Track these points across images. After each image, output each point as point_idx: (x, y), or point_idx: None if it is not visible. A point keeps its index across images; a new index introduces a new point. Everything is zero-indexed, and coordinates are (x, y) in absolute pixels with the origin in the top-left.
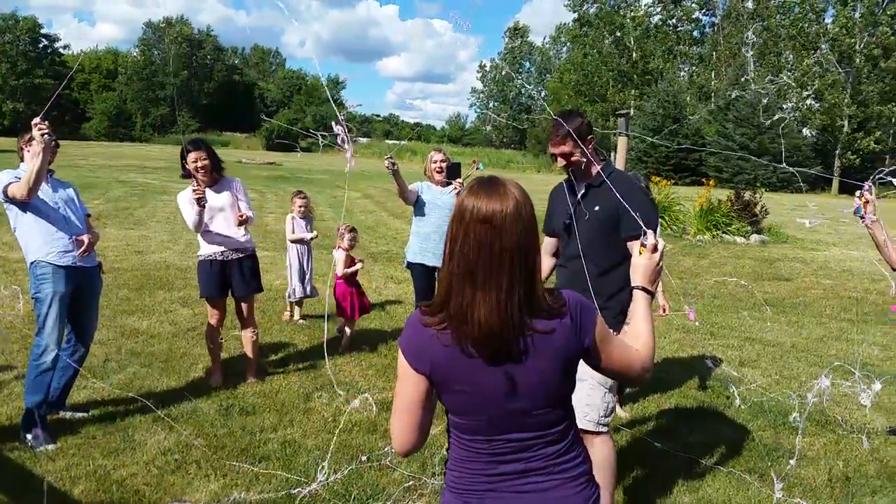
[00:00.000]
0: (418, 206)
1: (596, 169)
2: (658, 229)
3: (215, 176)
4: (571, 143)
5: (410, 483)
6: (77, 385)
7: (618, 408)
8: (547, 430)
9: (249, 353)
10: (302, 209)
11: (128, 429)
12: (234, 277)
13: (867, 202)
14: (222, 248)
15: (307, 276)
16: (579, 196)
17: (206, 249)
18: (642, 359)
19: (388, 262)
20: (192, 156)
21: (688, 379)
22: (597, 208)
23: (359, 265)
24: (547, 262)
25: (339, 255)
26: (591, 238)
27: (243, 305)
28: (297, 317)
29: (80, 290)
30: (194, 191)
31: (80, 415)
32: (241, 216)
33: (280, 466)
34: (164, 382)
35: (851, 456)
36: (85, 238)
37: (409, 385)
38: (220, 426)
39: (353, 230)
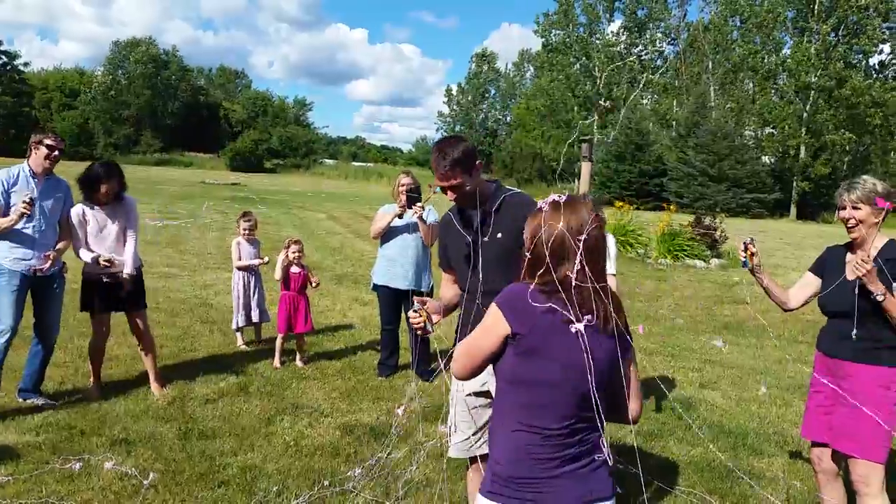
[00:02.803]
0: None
1: (490, 192)
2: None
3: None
4: (459, 172)
5: None
6: (31, 410)
7: None
8: (595, 415)
9: (150, 366)
10: (247, 232)
11: (83, 453)
12: (121, 294)
13: (753, 254)
14: (108, 271)
15: (255, 302)
16: (477, 225)
17: (92, 269)
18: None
19: (353, 284)
20: (104, 187)
21: (649, 401)
22: (499, 235)
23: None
24: (452, 291)
25: (279, 259)
26: (500, 269)
27: (138, 321)
28: (240, 342)
29: (38, 290)
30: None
31: (51, 403)
32: (127, 276)
33: (240, 492)
34: (122, 405)
35: (808, 475)
36: (51, 254)
37: (490, 339)
38: (179, 450)
39: (297, 242)
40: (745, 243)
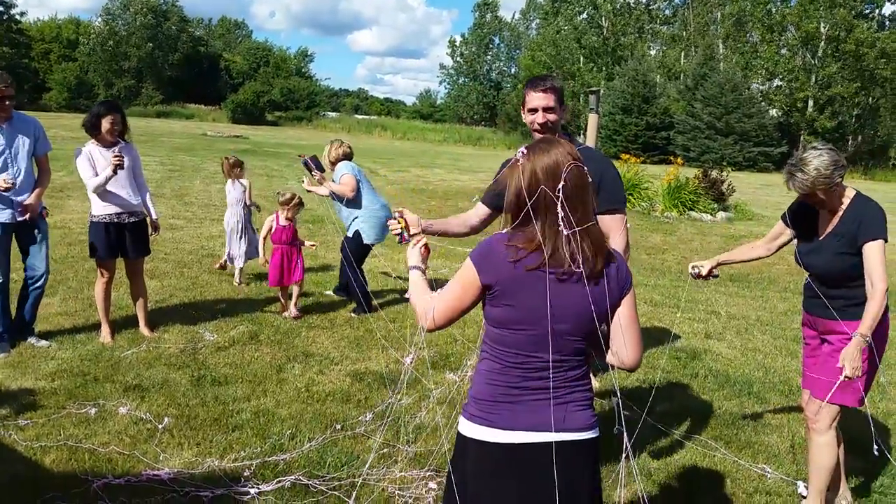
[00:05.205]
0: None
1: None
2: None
3: (118, 139)
4: (554, 97)
5: (385, 451)
6: (45, 356)
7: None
8: (572, 356)
9: (141, 310)
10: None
11: (98, 399)
12: (126, 240)
13: (706, 277)
14: (118, 210)
15: (249, 237)
16: None
17: (101, 210)
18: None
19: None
20: (106, 121)
21: (655, 351)
22: None
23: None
24: (464, 223)
25: (269, 221)
26: None
27: (136, 267)
28: (238, 279)
29: (22, 234)
30: (115, 156)
31: (43, 343)
32: (155, 232)
33: (254, 435)
34: (134, 353)
35: None
36: (29, 202)
37: (469, 294)
38: (192, 396)
39: (296, 205)
40: (695, 276)
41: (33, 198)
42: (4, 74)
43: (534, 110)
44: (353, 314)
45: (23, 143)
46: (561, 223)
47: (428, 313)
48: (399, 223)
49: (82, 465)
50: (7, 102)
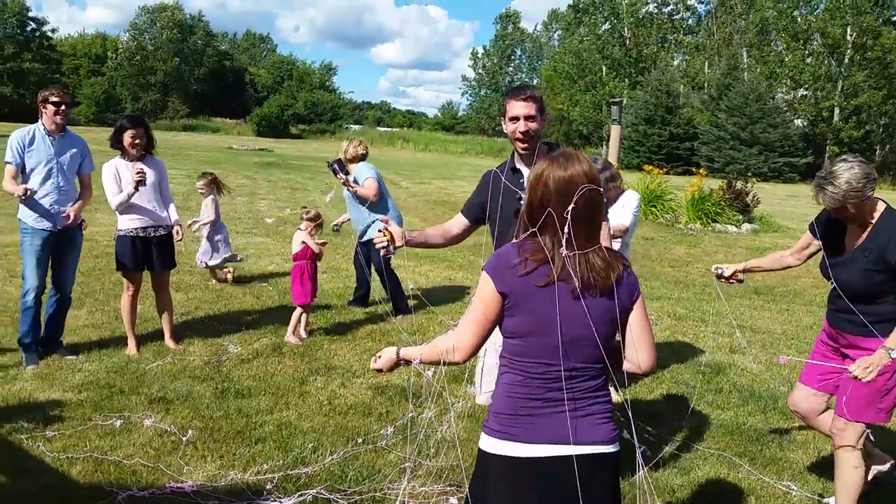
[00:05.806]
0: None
1: (545, 151)
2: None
3: (144, 153)
4: (535, 106)
5: (406, 465)
6: (72, 368)
7: (612, 391)
8: (590, 363)
9: (167, 322)
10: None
11: (123, 411)
12: (153, 254)
13: (729, 279)
14: (144, 224)
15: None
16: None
17: (127, 224)
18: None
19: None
20: (129, 135)
21: (679, 365)
22: None
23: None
24: (444, 234)
25: (297, 237)
26: None
27: (162, 280)
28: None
29: (59, 245)
30: (137, 172)
31: (71, 357)
32: (179, 238)
33: (276, 448)
34: (159, 365)
35: None
36: (71, 213)
37: (492, 307)
38: (216, 409)
39: (317, 218)
40: (718, 275)
41: (76, 207)
42: (60, 85)
43: (515, 119)
44: (394, 318)
45: (70, 157)
46: (563, 244)
47: (449, 345)
48: (385, 236)
49: (108, 476)
50: (63, 108)
